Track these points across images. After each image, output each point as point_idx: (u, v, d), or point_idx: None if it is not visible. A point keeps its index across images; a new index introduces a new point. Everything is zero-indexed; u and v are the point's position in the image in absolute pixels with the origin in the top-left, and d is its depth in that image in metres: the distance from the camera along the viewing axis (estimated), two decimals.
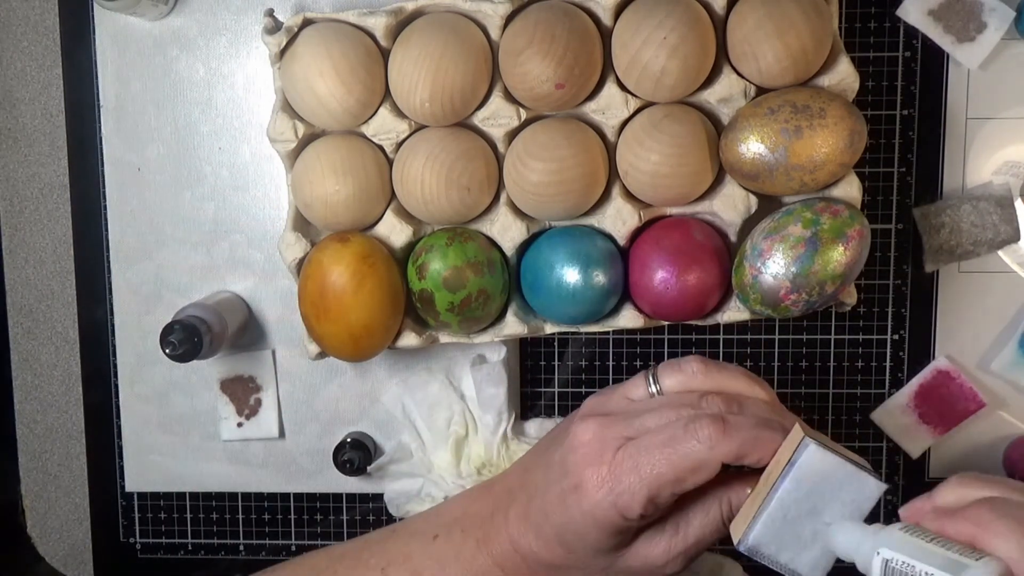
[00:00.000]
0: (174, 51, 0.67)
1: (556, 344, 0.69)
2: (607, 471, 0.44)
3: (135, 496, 0.72)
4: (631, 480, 0.43)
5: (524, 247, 0.63)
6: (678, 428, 0.44)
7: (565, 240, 0.61)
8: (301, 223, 0.62)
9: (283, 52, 0.60)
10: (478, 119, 0.61)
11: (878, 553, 0.38)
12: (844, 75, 0.59)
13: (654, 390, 0.48)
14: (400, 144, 0.61)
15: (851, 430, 0.69)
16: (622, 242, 0.62)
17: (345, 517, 0.71)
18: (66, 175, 0.69)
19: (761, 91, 0.60)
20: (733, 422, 0.43)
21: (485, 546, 0.49)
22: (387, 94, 0.61)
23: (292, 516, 0.71)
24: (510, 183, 0.61)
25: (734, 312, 0.62)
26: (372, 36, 0.60)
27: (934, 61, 0.65)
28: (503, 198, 0.62)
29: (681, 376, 0.48)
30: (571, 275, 0.59)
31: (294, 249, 0.61)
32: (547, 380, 0.69)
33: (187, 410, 0.70)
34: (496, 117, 0.60)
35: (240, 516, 0.71)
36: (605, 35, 0.60)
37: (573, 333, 0.65)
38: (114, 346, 0.70)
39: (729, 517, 0.46)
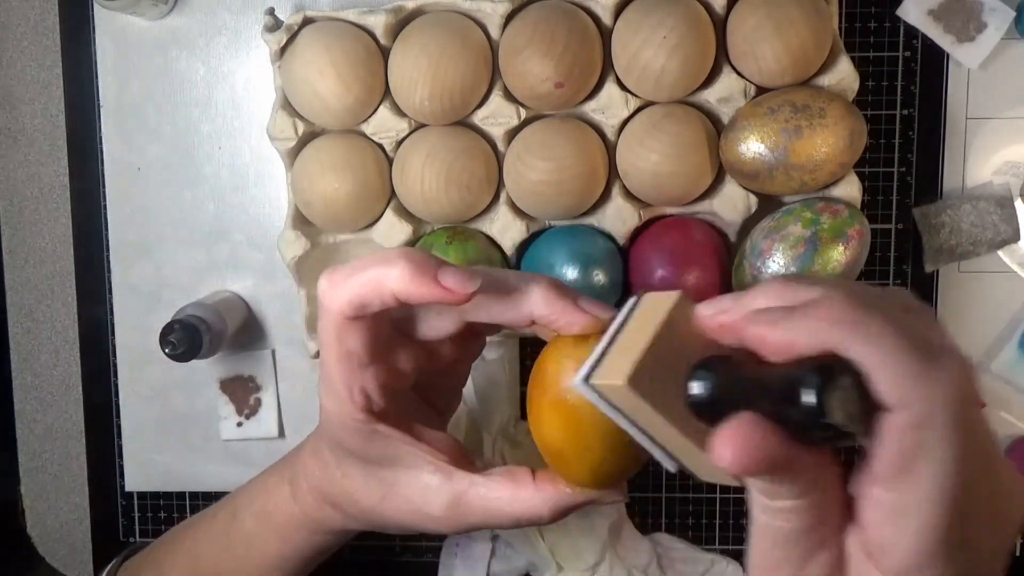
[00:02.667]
0: (174, 51, 0.67)
1: None
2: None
3: (135, 496, 0.72)
4: (340, 276, 0.40)
5: (524, 246, 0.63)
6: None
7: (565, 239, 0.61)
8: (301, 221, 0.62)
9: (283, 50, 0.60)
10: (478, 118, 0.61)
11: None
12: (844, 75, 0.59)
13: None
14: (400, 143, 0.61)
15: None
16: (622, 242, 0.62)
17: None
18: (66, 175, 0.69)
19: (761, 91, 0.60)
20: (340, 271, 0.40)
21: (285, 471, 0.50)
22: (387, 92, 0.61)
23: None
24: (510, 182, 0.61)
25: None
26: (372, 35, 0.60)
27: (934, 61, 0.65)
28: (503, 197, 0.62)
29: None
30: (571, 274, 0.59)
31: (293, 247, 0.61)
32: None
33: (187, 410, 0.70)
34: (496, 116, 0.60)
35: None
36: (605, 35, 0.60)
37: None
38: (114, 346, 0.70)
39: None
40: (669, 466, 0.34)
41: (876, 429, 0.29)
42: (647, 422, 0.33)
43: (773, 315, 0.30)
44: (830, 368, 0.28)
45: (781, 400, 0.29)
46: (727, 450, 0.29)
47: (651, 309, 0.33)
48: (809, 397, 0.28)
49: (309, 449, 0.49)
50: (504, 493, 0.42)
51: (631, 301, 0.35)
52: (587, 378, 0.33)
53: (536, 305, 0.40)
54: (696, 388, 0.32)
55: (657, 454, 0.34)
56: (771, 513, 0.31)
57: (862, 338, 0.28)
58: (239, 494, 0.54)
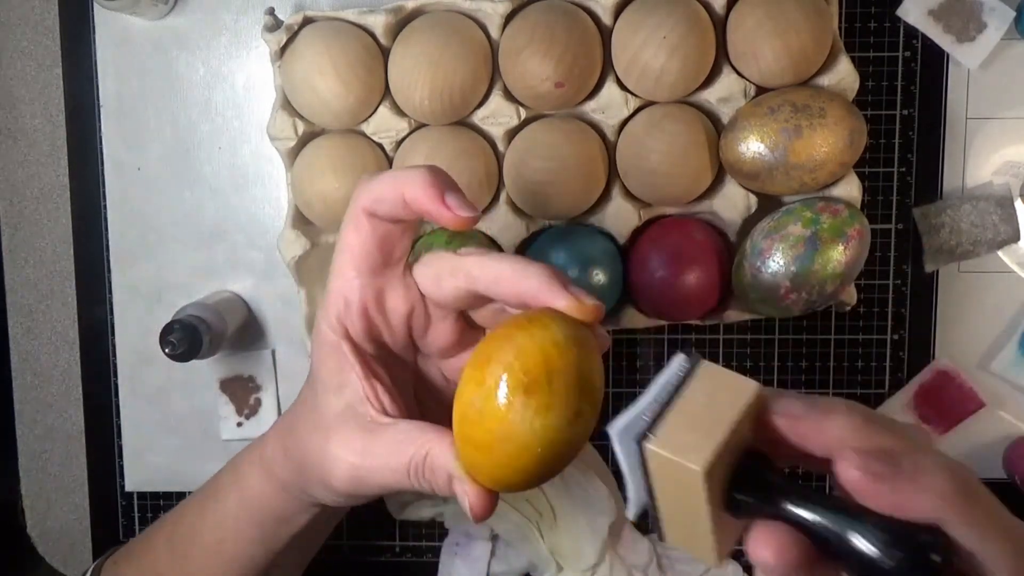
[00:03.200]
0: (174, 51, 0.67)
1: None
2: None
3: (135, 496, 0.72)
4: (370, 176, 0.42)
5: (524, 246, 0.63)
6: None
7: (565, 239, 0.61)
8: (301, 221, 0.62)
9: (283, 50, 0.60)
10: (478, 118, 0.61)
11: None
12: (844, 75, 0.59)
13: None
14: (400, 142, 0.61)
15: None
16: (622, 242, 0.62)
17: (344, 516, 0.70)
18: (66, 175, 0.69)
19: (761, 90, 0.60)
20: (373, 177, 0.42)
21: (259, 446, 0.50)
22: (387, 92, 0.61)
23: None
24: (510, 182, 0.61)
25: (734, 312, 0.62)
26: (372, 35, 0.60)
27: (934, 61, 0.65)
28: (503, 197, 0.62)
29: None
30: (571, 274, 0.59)
31: (293, 247, 0.61)
32: None
33: (187, 410, 0.70)
34: (496, 116, 0.60)
35: None
36: (605, 34, 0.60)
37: None
38: (114, 346, 0.70)
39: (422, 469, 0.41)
40: (635, 516, 0.34)
41: None
42: (675, 497, 0.32)
43: (877, 468, 0.31)
44: (928, 542, 0.29)
45: (861, 546, 0.29)
46: (766, 551, 0.31)
47: (719, 389, 0.33)
48: (896, 559, 0.29)
49: (278, 425, 0.50)
50: (405, 435, 0.41)
51: (680, 362, 0.34)
52: (641, 437, 0.32)
53: (528, 279, 0.39)
54: (774, 501, 0.32)
55: (647, 512, 0.34)
56: None
57: (968, 520, 0.30)
58: (220, 475, 0.54)
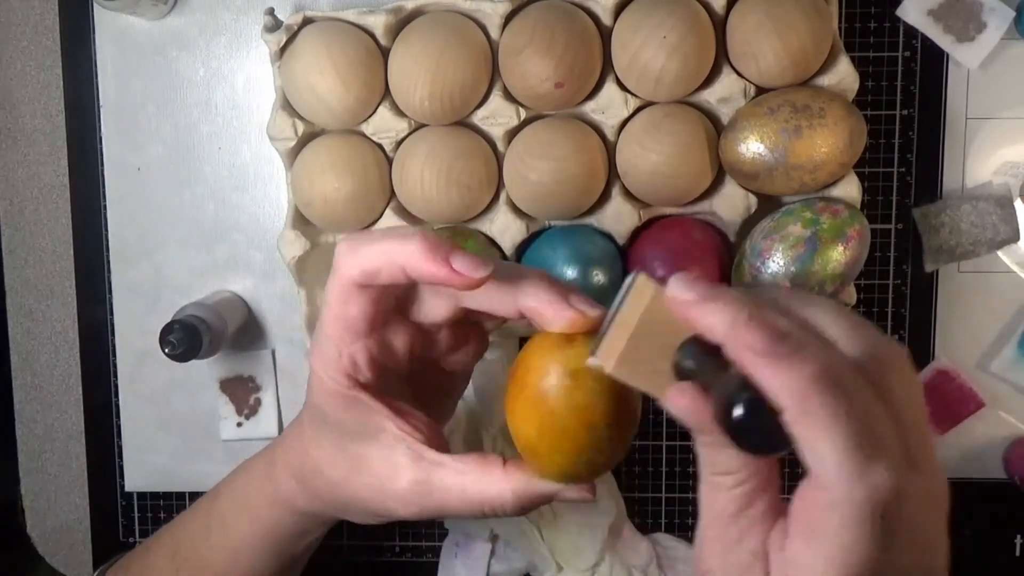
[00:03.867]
0: (174, 51, 0.67)
1: None
2: None
3: (135, 496, 0.72)
4: (357, 243, 0.41)
5: (524, 246, 0.63)
6: None
7: (565, 239, 0.61)
8: (301, 221, 0.62)
9: (283, 50, 0.60)
10: (478, 118, 0.61)
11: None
12: (844, 75, 0.59)
13: None
14: (400, 143, 0.61)
15: None
16: (622, 242, 0.62)
17: None
18: (66, 175, 0.69)
19: (761, 91, 0.60)
20: (359, 238, 0.41)
21: (264, 459, 0.50)
22: (387, 93, 0.61)
23: None
24: (510, 182, 0.61)
25: None
26: (372, 35, 0.60)
27: (934, 61, 0.65)
28: (503, 197, 0.62)
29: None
30: (571, 274, 0.59)
31: (293, 247, 0.61)
32: None
33: (187, 410, 0.70)
34: (496, 116, 0.60)
35: None
36: (605, 35, 0.60)
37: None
38: (114, 346, 0.70)
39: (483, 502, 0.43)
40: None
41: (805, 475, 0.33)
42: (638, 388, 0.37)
43: (766, 342, 0.32)
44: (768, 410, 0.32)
45: (725, 401, 0.33)
46: (680, 399, 0.34)
47: (638, 296, 0.36)
48: (737, 414, 0.32)
49: (290, 427, 0.49)
50: (471, 476, 0.42)
51: (629, 279, 0.37)
52: (592, 356, 0.37)
53: (526, 297, 0.40)
54: (682, 363, 0.36)
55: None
56: (711, 487, 0.35)
57: (811, 421, 0.31)
58: (222, 480, 0.54)
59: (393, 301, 0.43)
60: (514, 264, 0.42)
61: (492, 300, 0.41)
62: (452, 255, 0.39)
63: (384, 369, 0.43)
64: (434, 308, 0.43)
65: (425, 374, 0.46)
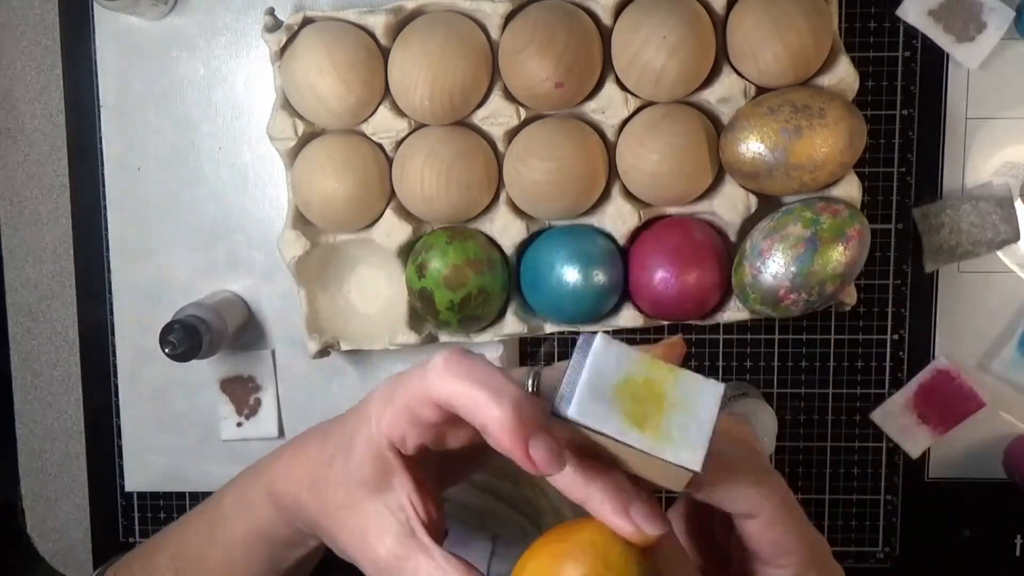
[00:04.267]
0: (174, 51, 0.67)
1: (556, 344, 0.69)
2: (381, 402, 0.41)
3: (135, 496, 0.72)
4: (382, 405, 0.40)
5: (524, 246, 0.63)
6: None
7: (565, 239, 0.61)
8: (301, 221, 0.62)
9: (283, 50, 0.60)
10: (478, 118, 0.61)
11: None
12: (844, 75, 0.59)
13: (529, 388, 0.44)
14: (400, 143, 0.61)
15: (851, 430, 0.69)
16: (622, 242, 0.62)
17: None
18: (66, 175, 0.69)
19: (761, 91, 0.60)
20: (462, 365, 0.38)
21: (270, 497, 0.49)
22: (387, 92, 0.61)
23: None
24: (510, 182, 0.61)
25: (734, 312, 0.62)
26: (372, 35, 0.60)
27: (934, 61, 0.65)
28: (503, 197, 0.62)
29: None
30: (571, 274, 0.59)
31: (293, 247, 0.61)
32: None
33: (187, 410, 0.70)
34: (496, 116, 0.60)
35: None
36: (605, 34, 0.60)
37: (573, 332, 0.65)
38: (114, 346, 0.70)
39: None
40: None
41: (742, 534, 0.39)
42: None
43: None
44: None
45: None
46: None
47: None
48: None
49: (292, 448, 0.48)
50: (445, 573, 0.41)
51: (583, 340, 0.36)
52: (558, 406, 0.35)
53: (593, 501, 0.38)
54: None
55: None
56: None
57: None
58: (231, 479, 0.54)
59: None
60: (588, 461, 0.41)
61: (565, 484, 0.39)
62: (533, 439, 0.36)
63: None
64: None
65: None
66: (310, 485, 0.46)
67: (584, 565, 0.37)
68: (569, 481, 0.38)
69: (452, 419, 0.38)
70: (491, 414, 0.36)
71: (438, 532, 0.44)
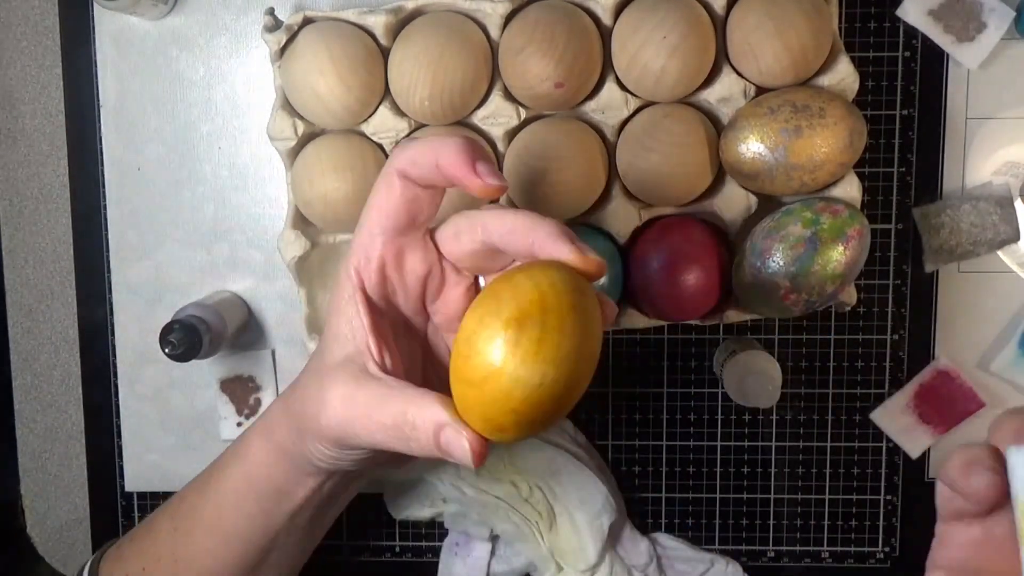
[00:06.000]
0: (174, 51, 0.67)
1: None
2: None
3: (135, 496, 0.72)
4: (407, 144, 0.44)
5: None
6: None
7: None
8: (301, 221, 0.62)
9: (283, 50, 0.60)
10: (478, 118, 0.61)
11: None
12: (844, 75, 0.59)
13: None
14: (400, 143, 0.61)
15: (851, 430, 0.69)
16: (622, 242, 0.62)
17: (344, 517, 0.71)
18: (66, 175, 0.69)
19: (761, 91, 0.60)
20: (409, 143, 0.44)
21: (264, 425, 0.51)
22: (387, 93, 0.61)
23: None
24: (510, 182, 0.61)
25: (734, 312, 0.62)
26: (372, 35, 0.60)
27: (934, 61, 0.65)
28: (503, 197, 0.62)
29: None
30: None
31: (293, 247, 0.61)
32: None
33: (187, 410, 0.70)
34: (496, 116, 0.60)
35: None
36: (605, 34, 0.60)
37: None
38: (114, 346, 0.70)
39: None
40: None
41: None
42: None
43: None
44: None
45: None
46: None
47: None
48: None
49: (283, 391, 0.50)
50: (398, 390, 0.42)
51: None
52: None
53: (543, 242, 0.41)
54: None
55: None
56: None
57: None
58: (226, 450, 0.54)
59: (423, 212, 0.45)
60: (534, 213, 0.43)
61: (511, 238, 0.42)
62: (478, 160, 0.42)
63: (392, 306, 0.46)
64: (460, 239, 0.45)
65: (430, 354, 0.48)
66: (292, 388, 0.48)
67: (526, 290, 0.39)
68: (521, 224, 0.42)
69: (412, 208, 0.44)
70: (444, 146, 0.42)
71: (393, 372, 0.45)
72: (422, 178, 0.43)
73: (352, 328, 0.44)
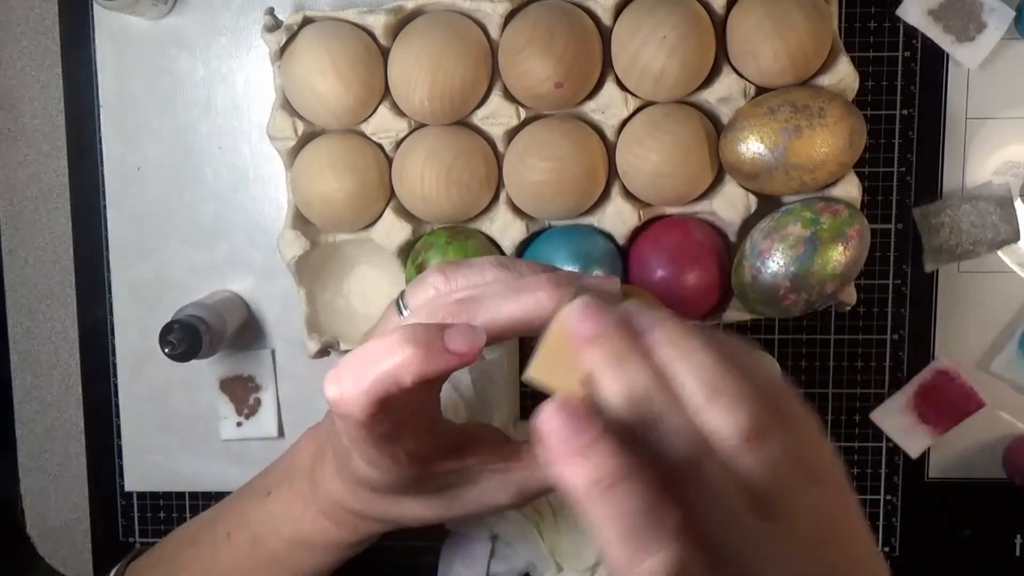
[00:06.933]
0: (174, 51, 0.67)
1: None
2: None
3: (134, 496, 0.72)
4: (348, 382, 0.37)
5: (524, 246, 0.63)
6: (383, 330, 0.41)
7: (565, 239, 0.61)
8: (301, 221, 0.62)
9: (283, 50, 0.60)
10: (478, 118, 0.61)
11: None
12: (844, 75, 0.59)
13: (405, 315, 0.42)
14: (400, 142, 0.61)
15: (851, 430, 0.69)
16: (622, 242, 0.62)
17: None
18: (66, 175, 0.69)
19: (761, 91, 0.60)
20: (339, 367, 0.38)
21: (312, 499, 0.49)
22: (387, 92, 0.61)
23: None
24: (510, 182, 0.61)
25: (734, 312, 0.62)
26: (372, 35, 0.60)
27: (934, 61, 0.65)
28: (503, 197, 0.62)
29: (422, 291, 0.42)
30: None
31: (293, 247, 0.61)
32: None
33: (187, 410, 0.70)
34: (496, 116, 0.60)
35: None
36: (605, 34, 0.60)
37: None
38: (114, 346, 0.70)
39: (502, 501, 0.45)
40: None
41: None
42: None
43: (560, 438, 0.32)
44: None
45: None
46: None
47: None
48: None
49: (331, 474, 0.47)
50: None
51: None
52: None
53: (396, 370, 0.36)
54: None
55: None
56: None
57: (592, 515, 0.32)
58: (252, 515, 0.53)
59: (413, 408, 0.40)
60: (521, 264, 0.42)
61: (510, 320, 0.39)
62: (447, 339, 0.36)
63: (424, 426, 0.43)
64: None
65: None
66: (384, 522, 0.49)
67: None
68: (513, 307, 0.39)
69: (393, 424, 0.39)
70: (402, 367, 0.36)
71: (504, 441, 0.45)
72: (395, 403, 0.37)
73: (463, 469, 0.44)
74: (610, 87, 0.60)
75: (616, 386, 0.33)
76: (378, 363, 0.36)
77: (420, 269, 0.60)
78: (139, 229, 0.69)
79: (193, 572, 0.54)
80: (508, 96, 0.60)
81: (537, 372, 0.36)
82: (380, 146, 0.61)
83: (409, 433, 0.41)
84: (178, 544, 0.57)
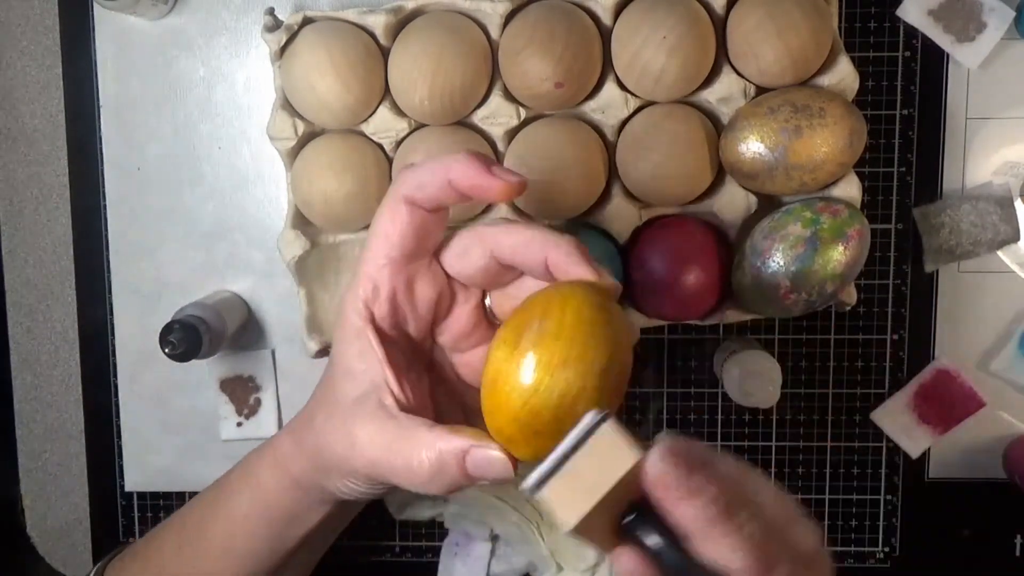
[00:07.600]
0: (174, 51, 0.67)
1: None
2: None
3: (135, 496, 0.72)
4: (426, 173, 0.43)
5: None
6: None
7: None
8: (301, 221, 0.62)
9: (283, 50, 0.60)
10: (478, 118, 0.61)
11: None
12: (844, 75, 0.59)
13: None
14: (400, 142, 0.61)
15: (851, 430, 0.69)
16: (622, 242, 0.62)
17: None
18: (66, 175, 0.69)
19: (761, 90, 0.60)
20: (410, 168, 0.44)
21: (289, 465, 0.49)
22: (387, 92, 0.61)
23: None
24: None
25: (734, 312, 0.62)
26: (372, 35, 0.60)
27: (934, 61, 0.65)
28: (503, 206, 0.62)
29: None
30: None
31: (293, 247, 0.61)
32: None
33: (187, 410, 0.70)
34: (496, 116, 0.60)
35: None
36: (605, 34, 0.60)
37: None
38: (114, 346, 0.70)
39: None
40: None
41: None
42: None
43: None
44: None
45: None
46: (630, 562, 0.36)
47: (610, 454, 0.35)
48: None
49: (322, 421, 0.48)
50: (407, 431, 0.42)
51: (589, 419, 0.36)
52: (538, 487, 0.35)
53: (556, 252, 0.41)
54: (635, 531, 0.37)
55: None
56: None
57: None
58: (224, 501, 0.53)
59: (431, 237, 0.44)
60: (545, 227, 0.43)
61: (523, 253, 0.42)
62: (492, 164, 0.42)
63: (402, 332, 0.45)
64: (469, 255, 0.44)
65: (434, 374, 0.47)
66: (305, 424, 0.47)
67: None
68: (535, 239, 0.41)
69: (420, 234, 0.43)
70: (452, 163, 0.42)
71: (426, 412, 0.44)
72: (430, 201, 0.42)
73: (366, 363, 0.43)
74: (610, 87, 0.60)
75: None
76: (438, 159, 0.42)
77: None
78: (139, 229, 0.69)
79: (168, 562, 0.55)
80: (508, 96, 0.60)
81: (582, 524, 0.35)
82: (380, 146, 0.61)
83: (404, 274, 0.44)
84: (150, 539, 0.57)
